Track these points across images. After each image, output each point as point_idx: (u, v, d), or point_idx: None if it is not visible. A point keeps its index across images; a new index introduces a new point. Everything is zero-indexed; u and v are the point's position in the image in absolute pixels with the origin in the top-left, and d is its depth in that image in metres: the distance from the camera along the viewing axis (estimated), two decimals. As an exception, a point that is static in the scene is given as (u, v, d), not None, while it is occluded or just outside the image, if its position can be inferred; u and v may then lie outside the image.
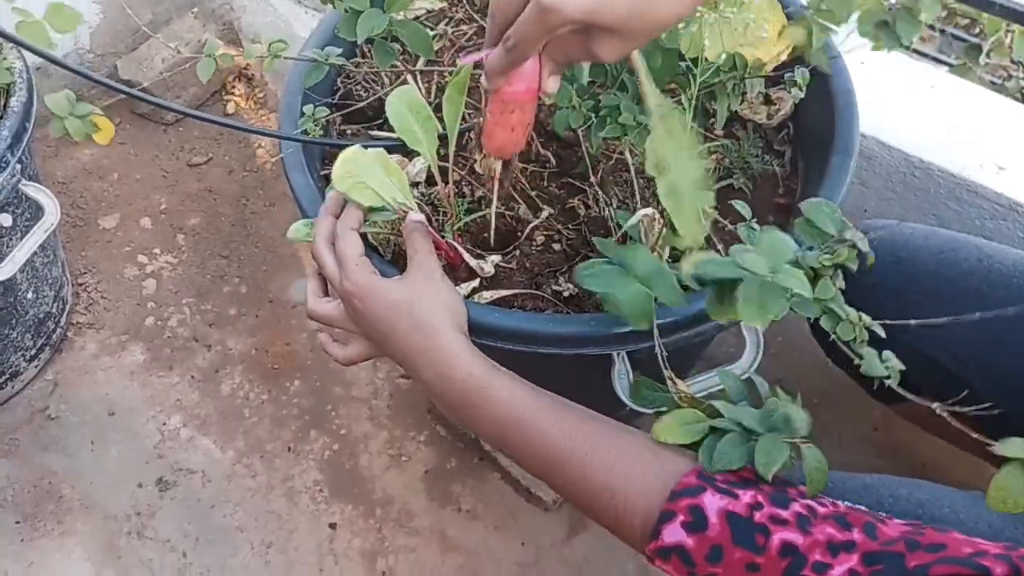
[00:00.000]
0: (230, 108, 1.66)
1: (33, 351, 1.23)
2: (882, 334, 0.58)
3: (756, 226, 0.65)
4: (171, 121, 1.61)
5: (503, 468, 1.16)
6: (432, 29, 0.95)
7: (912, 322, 0.59)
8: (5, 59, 1.04)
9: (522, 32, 0.54)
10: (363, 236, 0.73)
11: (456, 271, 0.77)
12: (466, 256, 0.76)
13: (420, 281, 0.66)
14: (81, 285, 1.37)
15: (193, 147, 1.59)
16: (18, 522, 1.14)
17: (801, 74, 0.74)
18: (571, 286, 0.76)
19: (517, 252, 0.79)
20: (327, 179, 0.80)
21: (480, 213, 0.79)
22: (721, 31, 0.66)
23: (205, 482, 1.18)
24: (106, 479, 1.18)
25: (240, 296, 1.39)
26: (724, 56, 0.67)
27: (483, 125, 0.66)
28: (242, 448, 1.21)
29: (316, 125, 0.78)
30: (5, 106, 1.01)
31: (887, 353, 0.59)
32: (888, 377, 0.58)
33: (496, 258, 0.78)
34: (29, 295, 1.16)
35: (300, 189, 0.77)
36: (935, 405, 0.51)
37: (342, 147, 0.71)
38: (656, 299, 0.62)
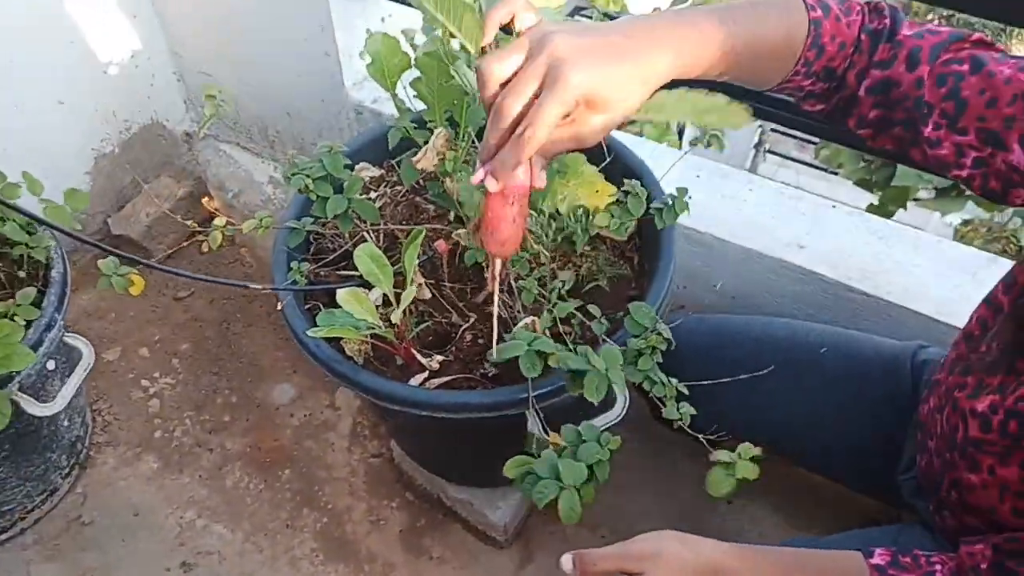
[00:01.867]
0: (204, 248, 1.96)
1: (67, 469, 1.48)
2: (685, 391, 0.92)
3: (605, 321, 0.99)
4: (160, 259, 1.90)
5: (463, 519, 1.45)
6: (375, 190, 1.29)
7: (700, 383, 0.93)
8: (41, 240, 1.34)
9: (540, 117, 0.60)
10: (340, 349, 1.04)
11: (411, 367, 1.08)
12: (419, 356, 1.07)
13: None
14: (96, 411, 1.64)
15: (177, 283, 1.89)
16: (68, 613, 1.38)
17: (628, 220, 1.07)
18: (493, 368, 1.07)
19: (453, 348, 1.11)
20: (310, 313, 1.11)
21: (424, 324, 1.11)
22: (567, 195, 1.00)
23: (221, 560, 1.44)
24: (138, 569, 1.43)
25: (232, 405, 1.67)
26: (572, 207, 1.02)
27: (483, 224, 0.72)
28: (248, 529, 1.48)
29: (301, 275, 1.09)
30: (47, 277, 1.30)
31: (684, 405, 0.92)
32: (680, 419, 0.92)
33: (438, 357, 1.09)
34: (65, 423, 1.43)
35: (295, 324, 1.07)
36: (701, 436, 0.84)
37: (327, 290, 1.03)
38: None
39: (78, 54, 1.68)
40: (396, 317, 1.03)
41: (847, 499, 1.29)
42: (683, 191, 1.05)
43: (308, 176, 1.04)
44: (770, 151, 6.21)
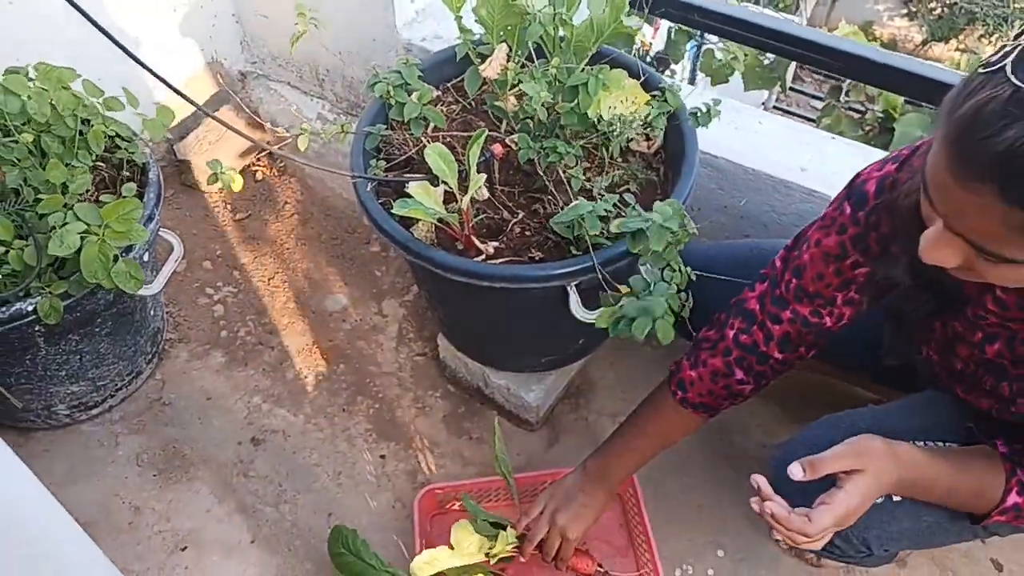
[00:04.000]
0: (259, 176, 2.15)
1: (150, 356, 1.68)
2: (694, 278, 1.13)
3: (640, 209, 1.19)
4: (213, 191, 2.09)
5: (499, 406, 1.65)
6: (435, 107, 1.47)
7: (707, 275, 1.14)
8: (138, 147, 1.52)
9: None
10: (409, 231, 1.24)
11: (469, 251, 1.27)
12: (478, 243, 1.26)
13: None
14: (168, 313, 1.83)
15: (235, 207, 2.07)
16: (155, 475, 1.57)
17: (661, 120, 1.27)
18: (539, 254, 1.27)
19: (504, 238, 1.30)
20: (383, 207, 1.30)
21: (483, 215, 1.30)
22: (610, 103, 1.19)
23: (286, 437, 1.64)
24: (213, 441, 1.62)
25: (289, 310, 1.86)
26: (613, 114, 1.21)
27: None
28: (309, 413, 1.68)
29: (380, 171, 1.28)
30: (143, 179, 1.49)
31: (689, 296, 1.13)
32: (685, 305, 1.12)
33: (493, 243, 1.28)
34: (152, 312, 1.62)
35: (373, 210, 1.26)
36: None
37: (400, 183, 1.22)
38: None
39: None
40: (464, 203, 1.22)
41: (832, 390, 1.49)
42: (717, 100, 1.22)
43: (389, 84, 1.22)
44: (776, 106, 6.38)
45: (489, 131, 1.42)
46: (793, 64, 3.74)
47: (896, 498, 1.02)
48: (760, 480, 0.94)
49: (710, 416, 1.21)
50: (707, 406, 1.19)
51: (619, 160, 1.37)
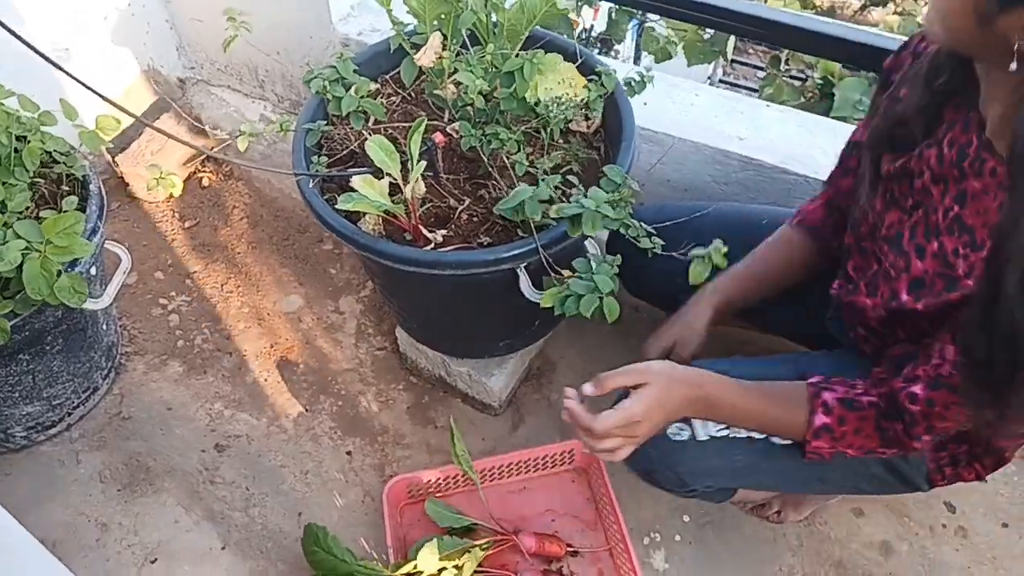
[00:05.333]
0: (204, 182, 2.13)
1: (106, 371, 1.66)
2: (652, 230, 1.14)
3: (582, 187, 1.20)
4: (161, 200, 2.07)
5: (463, 393, 1.66)
6: (373, 100, 1.47)
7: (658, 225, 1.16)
8: (76, 160, 1.50)
9: (618, 455, 1.02)
10: (356, 225, 1.24)
11: (418, 242, 1.28)
12: (426, 232, 1.27)
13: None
14: (123, 326, 1.81)
15: (183, 215, 2.05)
16: (119, 490, 1.56)
17: (598, 101, 1.29)
18: (488, 239, 1.28)
19: (452, 226, 1.31)
20: (328, 202, 1.30)
21: (430, 204, 1.31)
22: (547, 86, 1.21)
23: (250, 441, 1.63)
24: (177, 451, 1.61)
25: (244, 315, 1.85)
26: (551, 96, 1.22)
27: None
28: (272, 415, 1.67)
29: (321, 166, 1.28)
30: (85, 193, 1.47)
31: (655, 238, 1.15)
32: (653, 247, 1.14)
33: (442, 231, 1.29)
34: (104, 326, 1.61)
35: (318, 206, 1.26)
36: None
37: (345, 178, 1.22)
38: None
39: (81, 2, 1.82)
40: (409, 192, 1.23)
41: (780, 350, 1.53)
42: (648, 69, 1.24)
43: (324, 79, 1.22)
44: (722, 80, 6.45)
45: (431, 120, 1.43)
46: (733, 37, 3.80)
47: (702, 437, 1.09)
48: (569, 391, 1.03)
49: (820, 248, 1.23)
50: (816, 230, 1.23)
51: (560, 141, 1.38)
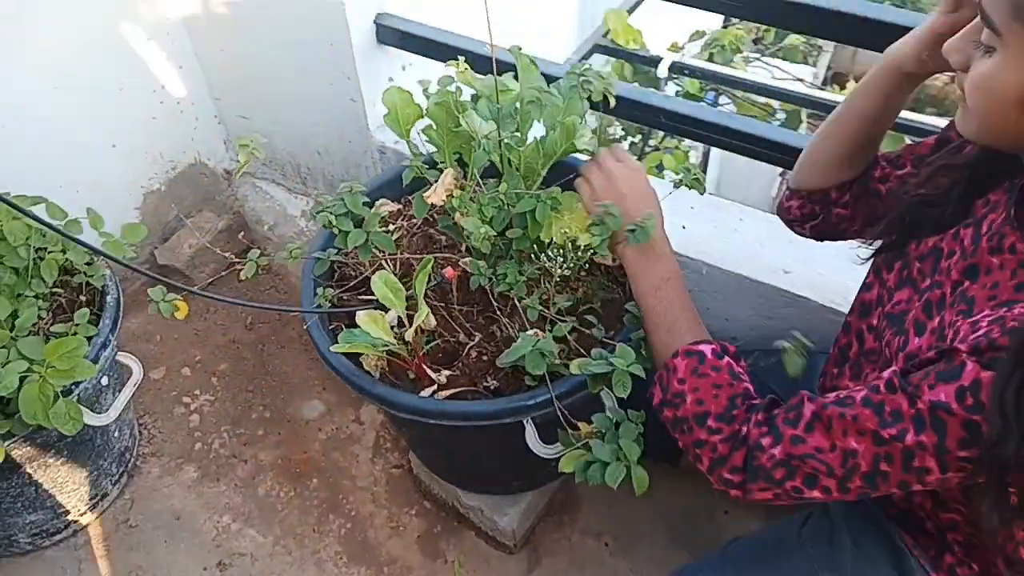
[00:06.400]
0: (242, 276, 2.12)
1: (116, 476, 1.63)
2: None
3: (601, 327, 1.12)
4: (200, 288, 2.06)
5: (476, 526, 1.56)
6: (393, 223, 1.43)
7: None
8: (97, 269, 1.49)
9: None
10: (360, 364, 1.17)
11: (422, 381, 1.21)
12: (429, 371, 1.20)
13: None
14: (143, 424, 1.79)
15: (216, 308, 2.04)
16: (116, 607, 1.51)
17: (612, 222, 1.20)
18: (495, 381, 1.20)
19: (460, 364, 1.23)
20: (333, 333, 1.24)
21: (433, 343, 1.24)
22: (560, 226, 1.13)
23: (254, 561, 1.57)
24: (179, 567, 1.56)
25: (265, 420, 1.81)
26: (566, 238, 1.14)
27: None
28: (279, 533, 1.61)
29: (326, 300, 1.23)
30: (102, 302, 1.45)
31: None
32: None
33: (446, 372, 1.22)
34: (115, 434, 1.58)
35: (319, 341, 1.21)
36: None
37: (348, 313, 1.16)
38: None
39: (127, 101, 1.86)
40: (409, 336, 1.16)
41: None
42: (648, 216, 1.13)
43: (331, 213, 1.18)
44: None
45: (449, 250, 1.37)
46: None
47: None
48: None
49: None
50: None
51: (584, 275, 1.30)
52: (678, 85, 3.22)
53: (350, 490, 1.67)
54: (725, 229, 1.56)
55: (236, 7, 1.74)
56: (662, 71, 2.79)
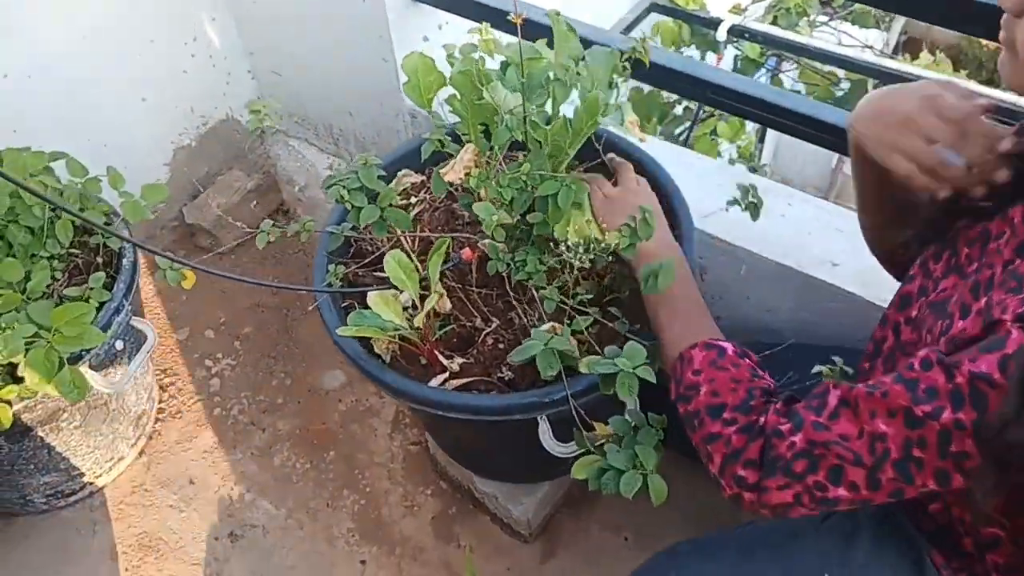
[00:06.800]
0: (272, 238, 2.08)
1: (133, 440, 1.62)
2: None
3: (626, 321, 1.04)
4: (226, 251, 2.03)
5: (491, 512, 1.51)
6: (415, 196, 1.35)
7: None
8: (118, 228, 1.46)
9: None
10: (370, 347, 1.11)
11: (434, 367, 1.14)
12: (441, 358, 1.13)
13: None
14: (164, 386, 1.77)
15: (244, 270, 2.01)
16: (127, 569, 1.51)
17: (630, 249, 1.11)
18: (510, 372, 1.13)
19: (475, 351, 1.17)
20: (345, 309, 1.18)
21: (448, 327, 1.17)
22: (580, 225, 1.05)
23: (265, 533, 1.54)
24: (191, 535, 1.55)
25: (285, 387, 1.77)
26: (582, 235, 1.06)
27: None
28: (292, 506, 1.58)
29: (337, 278, 1.17)
30: (119, 265, 1.42)
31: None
32: None
33: (460, 359, 1.15)
34: (132, 398, 1.56)
35: (329, 321, 1.15)
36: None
37: (359, 293, 1.10)
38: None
39: (158, 53, 1.80)
40: (419, 321, 1.10)
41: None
42: (669, 264, 1.02)
43: (344, 187, 1.11)
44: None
45: (471, 225, 1.30)
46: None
47: None
48: None
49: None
50: None
51: (611, 262, 1.21)
52: (738, 49, 3.05)
53: (366, 465, 1.63)
54: (772, 214, 1.44)
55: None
56: (721, 34, 2.64)
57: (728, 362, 0.88)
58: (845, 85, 3.06)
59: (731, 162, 3.07)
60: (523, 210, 1.09)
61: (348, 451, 1.65)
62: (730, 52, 3.06)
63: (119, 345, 1.43)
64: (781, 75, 3.36)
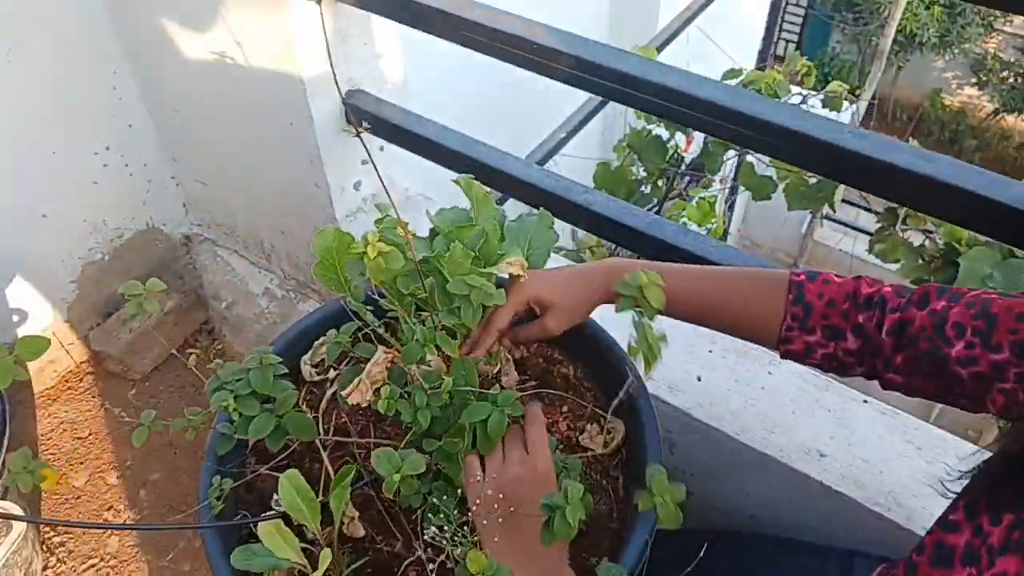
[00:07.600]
0: (191, 361, 1.86)
1: (3, 629, 1.37)
2: None
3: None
4: (138, 378, 1.81)
5: None
6: (336, 368, 1.15)
7: None
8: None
9: (497, 316, 0.87)
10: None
11: (343, 610, 0.93)
12: (350, 600, 0.92)
13: None
14: (50, 550, 1.53)
15: (158, 400, 1.78)
16: None
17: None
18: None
19: (394, 586, 0.96)
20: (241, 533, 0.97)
21: (363, 559, 0.96)
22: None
23: None
24: None
25: (194, 551, 1.54)
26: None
27: None
28: None
29: (217, 500, 0.95)
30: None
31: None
32: None
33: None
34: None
35: (212, 551, 0.94)
36: None
37: (247, 524, 0.89)
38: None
39: (62, 165, 1.60)
40: (324, 561, 0.89)
41: None
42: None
43: (232, 392, 0.91)
44: (827, 217, 5.89)
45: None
46: (842, 186, 3.36)
47: None
48: None
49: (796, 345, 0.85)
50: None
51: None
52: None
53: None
54: (749, 386, 1.27)
55: (187, 63, 1.47)
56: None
57: None
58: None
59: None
60: (444, 431, 0.89)
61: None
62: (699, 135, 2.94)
63: (-21, 532, 1.20)
64: (750, 157, 3.27)
